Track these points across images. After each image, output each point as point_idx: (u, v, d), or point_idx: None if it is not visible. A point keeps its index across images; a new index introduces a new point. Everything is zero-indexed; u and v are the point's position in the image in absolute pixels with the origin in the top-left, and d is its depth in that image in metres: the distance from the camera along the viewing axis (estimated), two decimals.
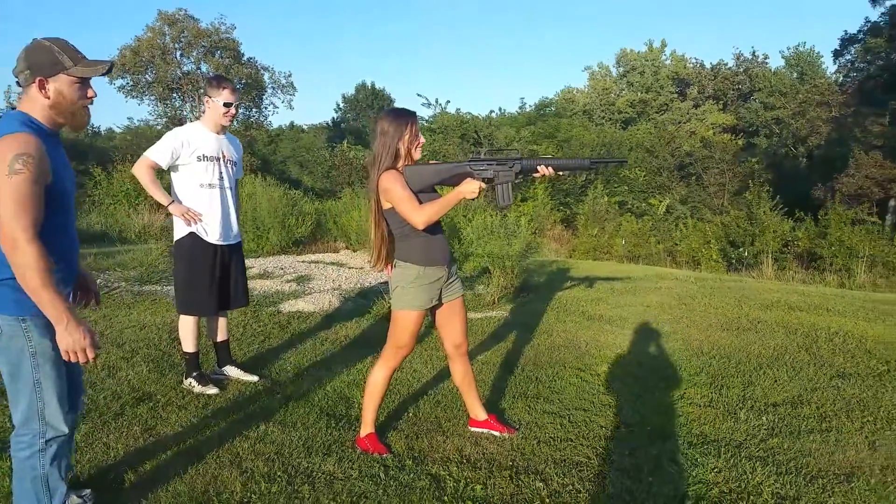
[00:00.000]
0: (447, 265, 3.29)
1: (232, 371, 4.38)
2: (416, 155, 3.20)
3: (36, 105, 2.20)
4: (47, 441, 2.29)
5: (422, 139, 3.22)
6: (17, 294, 2.13)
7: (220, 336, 4.40)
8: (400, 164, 3.16)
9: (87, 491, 2.72)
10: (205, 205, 4.03)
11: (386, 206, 3.15)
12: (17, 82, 2.22)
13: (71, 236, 2.37)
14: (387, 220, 3.21)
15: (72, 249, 2.39)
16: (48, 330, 2.19)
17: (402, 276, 3.21)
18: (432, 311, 3.36)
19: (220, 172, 4.08)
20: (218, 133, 4.10)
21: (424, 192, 3.14)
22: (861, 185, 23.65)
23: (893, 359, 4.89)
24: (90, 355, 2.18)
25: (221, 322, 4.39)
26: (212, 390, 4.06)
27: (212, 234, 4.07)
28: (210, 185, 4.04)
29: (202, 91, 4.38)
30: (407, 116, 3.16)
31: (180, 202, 4.01)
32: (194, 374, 4.14)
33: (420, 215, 3.04)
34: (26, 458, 2.29)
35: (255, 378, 4.35)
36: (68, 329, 2.12)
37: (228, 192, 4.14)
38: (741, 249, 15.73)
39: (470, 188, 3.06)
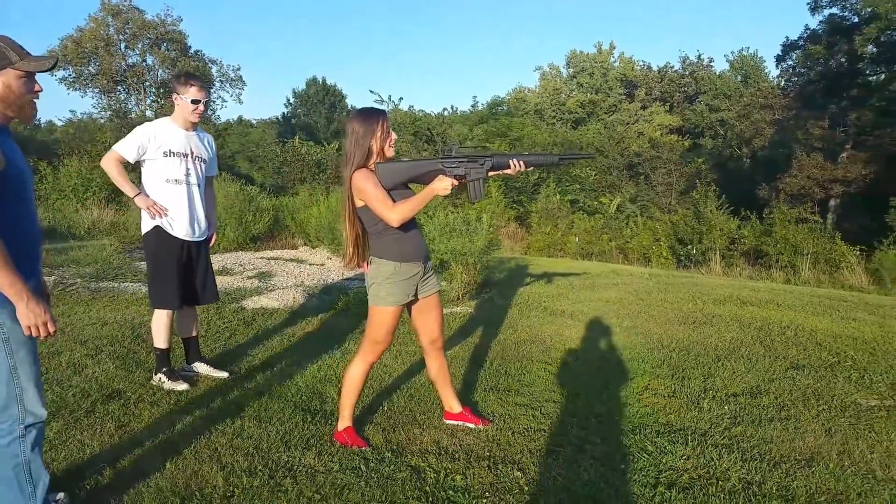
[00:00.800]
0: (423, 261, 3.33)
1: (201, 367, 4.36)
2: (389, 152, 3.21)
3: None
4: (27, 427, 2.32)
5: (393, 136, 3.23)
6: None
7: (189, 332, 4.37)
8: (371, 162, 3.18)
9: (61, 494, 2.68)
10: (170, 200, 4.02)
11: (359, 204, 3.18)
12: None
13: (31, 225, 2.40)
14: (360, 219, 3.23)
15: (33, 239, 2.41)
16: None
17: (378, 273, 3.24)
18: (408, 306, 3.40)
19: (188, 169, 4.07)
20: (188, 130, 4.10)
21: (397, 190, 3.18)
22: (803, 186, 24.54)
23: (842, 351, 5.13)
24: (51, 329, 2.28)
25: (188, 318, 4.35)
26: (181, 386, 4.03)
27: (177, 229, 4.06)
28: (176, 180, 4.04)
29: (170, 88, 4.35)
30: (377, 114, 3.18)
31: (147, 196, 4.00)
32: (164, 369, 4.10)
33: (394, 213, 3.07)
34: (6, 445, 2.30)
35: (224, 374, 4.33)
36: (29, 306, 2.21)
37: (195, 189, 4.12)
38: (689, 247, 16.16)
39: (442, 185, 3.11)
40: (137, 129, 4.02)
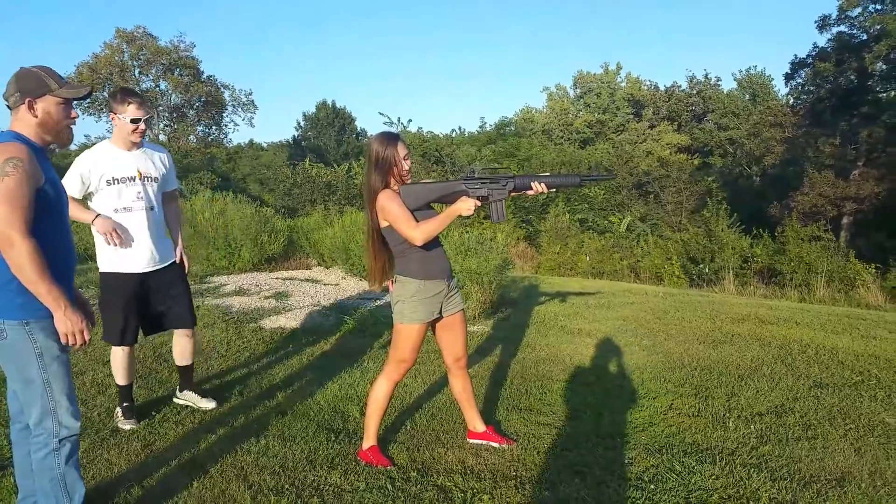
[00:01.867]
0: (447, 279, 3.34)
1: (189, 396, 4.14)
2: (407, 179, 3.27)
3: (25, 124, 2.41)
4: (61, 440, 2.42)
5: (405, 164, 3.23)
6: (21, 298, 2.30)
7: (180, 360, 4.14)
8: (393, 183, 3.23)
9: None
10: (121, 231, 3.69)
11: (383, 224, 3.21)
12: (7, 105, 2.44)
13: (66, 241, 2.51)
14: (385, 238, 3.26)
15: (68, 254, 2.52)
16: (51, 332, 2.37)
17: (403, 291, 3.25)
18: (433, 324, 3.40)
19: (138, 193, 3.73)
20: (130, 150, 3.75)
21: (420, 210, 3.21)
22: (815, 203, 24.42)
23: (866, 369, 5.07)
24: (86, 337, 2.38)
25: (184, 345, 4.11)
26: (128, 425, 3.76)
27: (133, 262, 3.75)
28: (125, 208, 3.70)
29: (107, 106, 4.05)
30: (392, 139, 3.22)
31: (107, 218, 3.66)
32: (124, 405, 3.87)
33: (417, 232, 3.10)
34: (43, 457, 2.40)
35: (212, 405, 4.08)
36: (66, 314, 2.32)
37: (149, 213, 3.78)
38: (702, 266, 16.08)
39: (465, 206, 3.13)
40: (76, 161, 3.69)
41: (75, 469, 2.46)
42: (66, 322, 2.32)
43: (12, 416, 2.59)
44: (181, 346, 4.12)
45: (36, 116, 2.40)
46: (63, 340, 2.36)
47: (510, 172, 3.42)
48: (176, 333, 4.10)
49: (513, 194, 3.27)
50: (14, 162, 2.23)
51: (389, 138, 3.22)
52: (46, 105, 2.41)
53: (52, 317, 2.34)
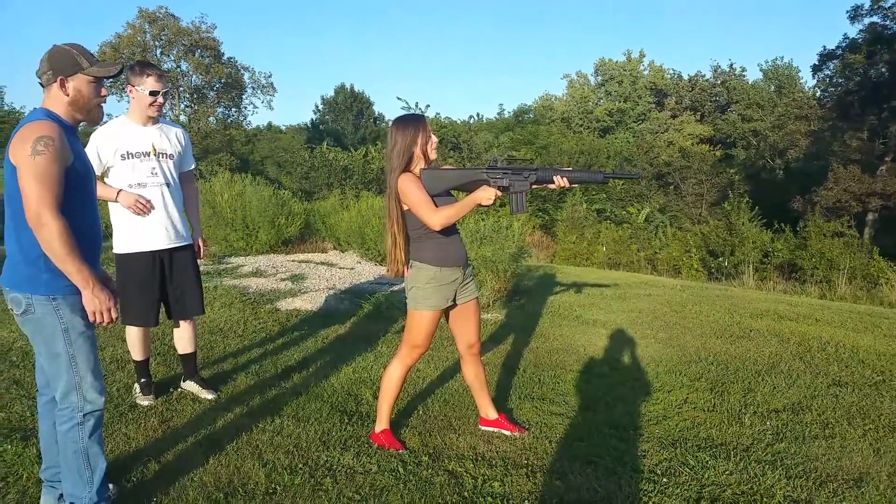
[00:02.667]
0: (462, 267, 3.33)
1: (191, 386, 4.02)
2: (432, 154, 3.25)
3: (57, 102, 2.43)
4: (85, 415, 2.46)
5: (434, 139, 3.26)
6: (48, 274, 2.35)
7: (181, 348, 4.04)
8: (415, 166, 3.21)
9: (111, 486, 2.74)
10: (145, 202, 3.67)
11: (404, 207, 3.19)
12: (40, 83, 2.45)
13: (92, 219, 2.54)
14: (404, 222, 3.24)
15: (95, 230, 2.56)
16: (78, 308, 2.41)
17: (418, 277, 3.24)
18: (446, 311, 3.39)
19: (153, 169, 3.70)
20: (146, 125, 3.72)
21: (440, 196, 3.20)
22: (839, 199, 24.10)
23: (888, 369, 5.00)
24: (113, 315, 2.42)
25: (182, 333, 4.01)
26: (145, 401, 3.79)
27: (149, 240, 3.70)
28: (140, 184, 3.66)
29: (125, 80, 3.98)
30: (416, 120, 3.23)
31: (128, 192, 3.63)
32: (142, 380, 3.87)
33: (436, 217, 3.09)
34: (67, 430, 2.45)
35: (212, 395, 3.96)
36: (94, 293, 2.35)
37: (165, 189, 3.73)
38: (721, 259, 15.95)
39: (486, 195, 3.11)
40: (92, 136, 3.66)
41: (98, 444, 2.50)
42: (95, 300, 2.35)
43: (39, 389, 2.63)
44: (182, 332, 4.02)
45: (67, 95, 2.42)
46: (91, 319, 2.40)
47: (529, 160, 3.39)
48: (181, 325, 4.01)
49: (534, 187, 3.26)
50: (45, 140, 2.26)
51: (410, 121, 3.22)
52: (78, 83, 2.42)
53: (78, 293, 2.37)
